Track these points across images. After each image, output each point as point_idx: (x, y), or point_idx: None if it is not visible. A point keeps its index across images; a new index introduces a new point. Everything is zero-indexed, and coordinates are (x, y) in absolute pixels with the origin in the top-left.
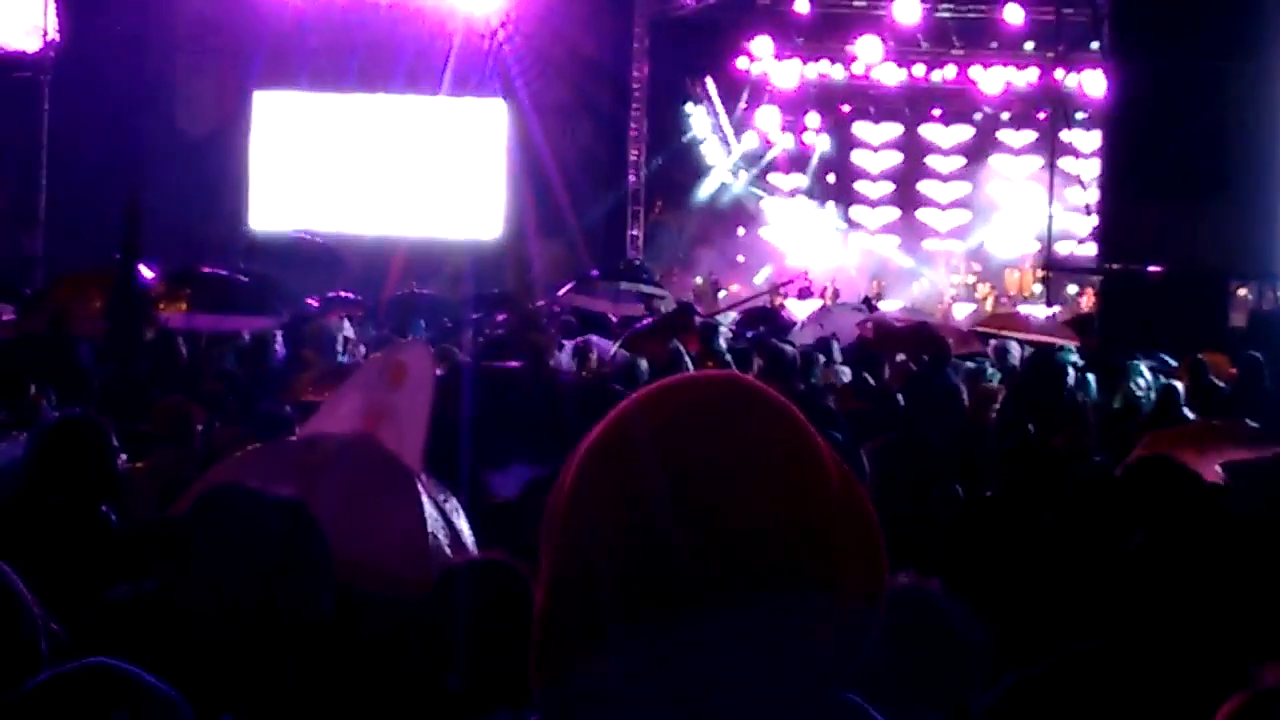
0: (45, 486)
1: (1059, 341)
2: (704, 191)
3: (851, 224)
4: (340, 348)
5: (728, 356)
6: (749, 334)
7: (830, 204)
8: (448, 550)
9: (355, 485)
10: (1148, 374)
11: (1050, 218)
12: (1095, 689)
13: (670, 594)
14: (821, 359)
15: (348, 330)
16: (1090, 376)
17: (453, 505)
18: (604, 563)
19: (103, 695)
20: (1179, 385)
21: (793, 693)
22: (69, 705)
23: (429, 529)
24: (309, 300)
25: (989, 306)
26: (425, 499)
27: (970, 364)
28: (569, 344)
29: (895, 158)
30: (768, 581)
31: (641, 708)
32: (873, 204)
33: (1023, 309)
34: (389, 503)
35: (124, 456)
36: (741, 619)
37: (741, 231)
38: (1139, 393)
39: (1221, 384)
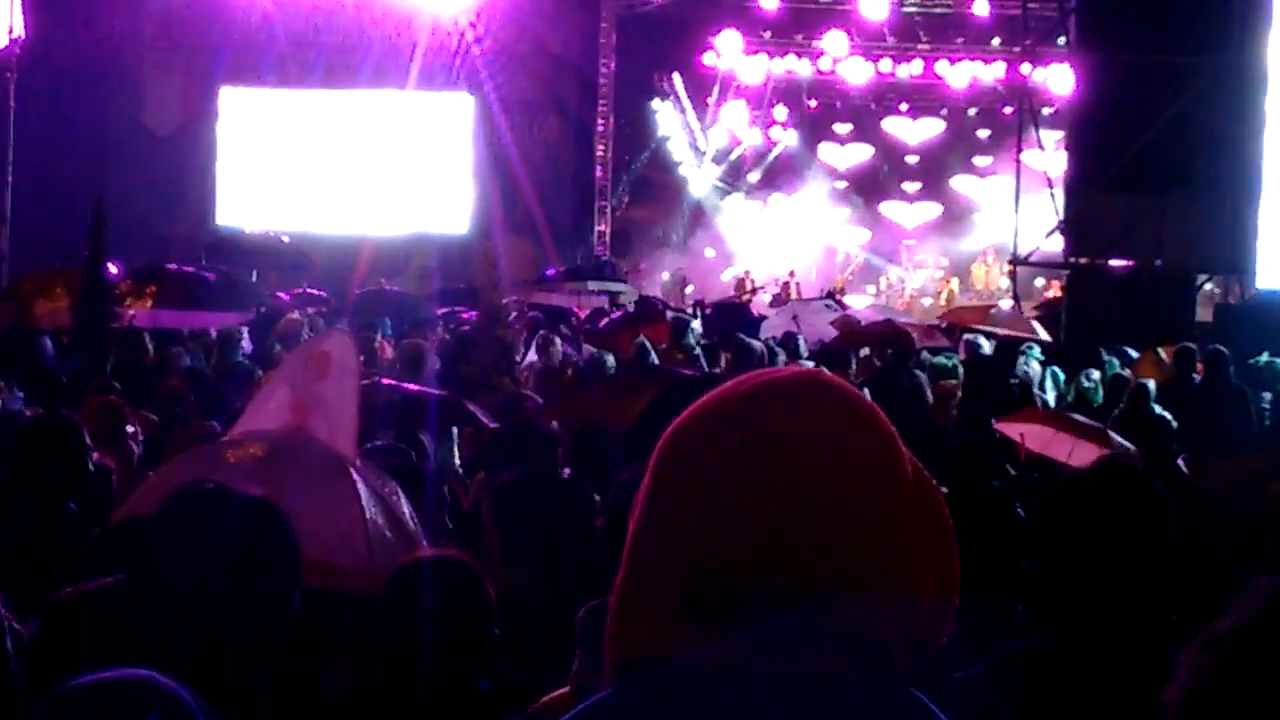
0: (18, 482)
1: (1027, 337)
2: (671, 187)
3: (818, 218)
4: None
5: (697, 351)
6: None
7: (795, 198)
8: (388, 534)
9: (291, 478)
10: (1119, 368)
11: (1016, 212)
12: (1033, 687)
13: (742, 585)
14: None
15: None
16: (1057, 371)
17: (392, 489)
18: (679, 549)
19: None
20: (1150, 383)
21: (862, 688)
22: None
23: (368, 516)
24: (280, 295)
25: (943, 300)
26: (362, 486)
27: (943, 359)
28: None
29: (862, 152)
30: (844, 580)
31: (705, 690)
32: (839, 199)
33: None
34: (325, 493)
35: (96, 455)
36: (813, 615)
37: (709, 227)
38: (1086, 384)
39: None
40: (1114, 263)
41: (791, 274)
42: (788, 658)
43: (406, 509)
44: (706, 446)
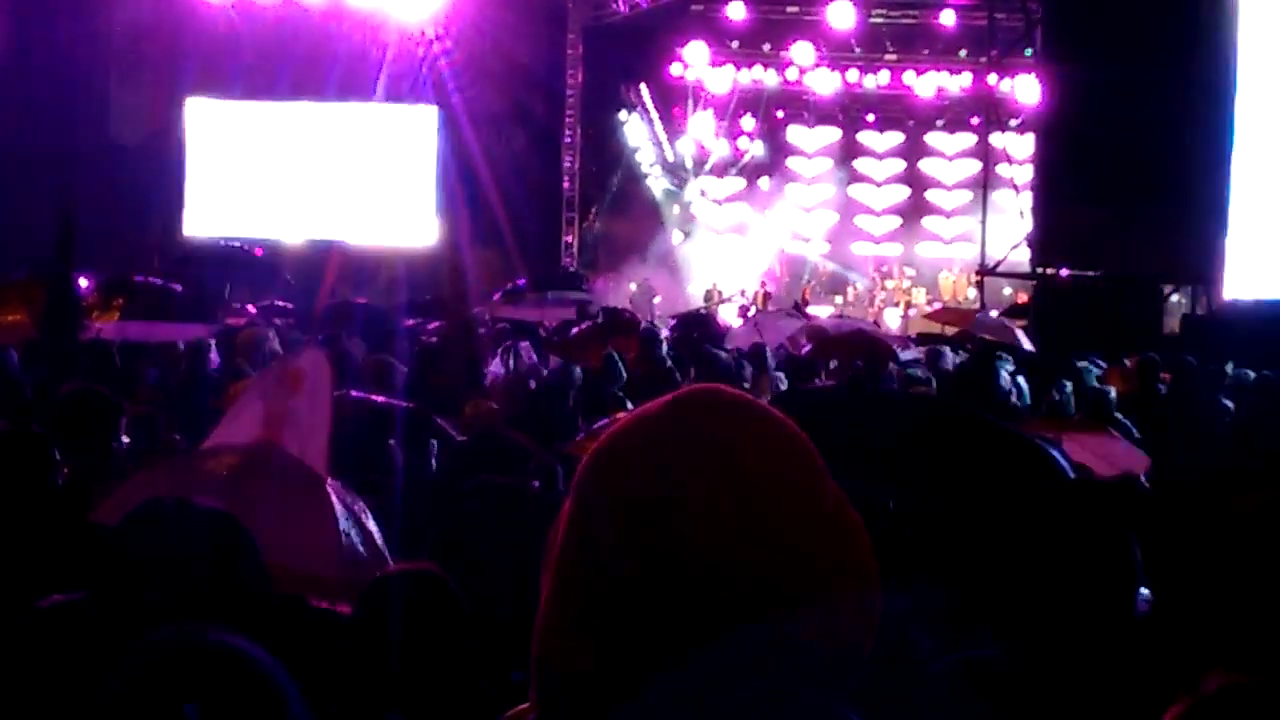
0: None
1: (1006, 345)
2: (638, 198)
3: (783, 228)
4: (266, 359)
5: (669, 363)
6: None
7: (762, 209)
8: (360, 549)
9: (263, 491)
10: (1094, 380)
11: (984, 222)
12: (991, 695)
13: (662, 606)
14: (750, 368)
15: (274, 343)
16: (1021, 382)
17: (361, 507)
18: (598, 572)
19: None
20: (1112, 390)
21: (788, 704)
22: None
23: (341, 528)
24: (247, 307)
25: (901, 309)
26: (335, 500)
27: (912, 370)
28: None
29: (829, 163)
30: (763, 597)
31: (629, 711)
32: (807, 209)
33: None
34: (298, 505)
35: (66, 470)
36: (733, 634)
37: (677, 238)
38: (1059, 397)
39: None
40: (1082, 273)
41: (763, 284)
42: (712, 683)
43: (374, 528)
44: (627, 479)
